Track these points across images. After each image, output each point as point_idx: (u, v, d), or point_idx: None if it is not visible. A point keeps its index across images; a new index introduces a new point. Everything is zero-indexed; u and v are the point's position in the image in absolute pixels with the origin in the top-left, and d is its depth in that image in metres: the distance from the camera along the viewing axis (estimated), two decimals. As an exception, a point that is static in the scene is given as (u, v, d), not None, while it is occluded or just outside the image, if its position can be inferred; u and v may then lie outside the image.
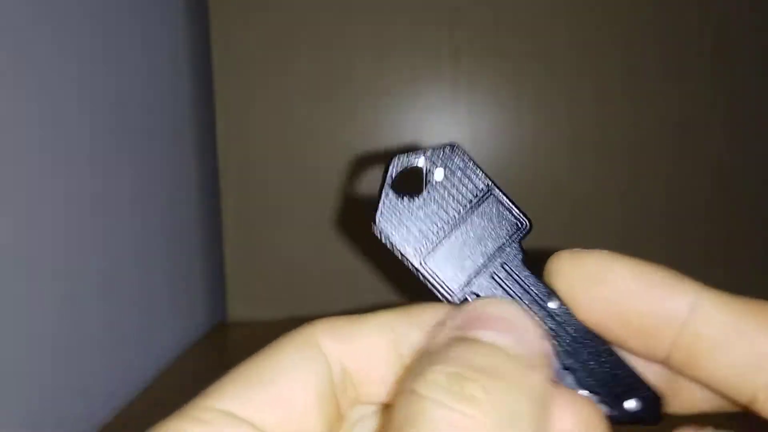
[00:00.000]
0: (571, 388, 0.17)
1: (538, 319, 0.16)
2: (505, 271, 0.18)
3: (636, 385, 0.17)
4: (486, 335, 0.14)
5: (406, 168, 0.17)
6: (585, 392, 0.17)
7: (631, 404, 0.17)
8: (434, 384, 0.13)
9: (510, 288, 0.17)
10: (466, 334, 0.14)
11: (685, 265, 0.67)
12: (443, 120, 0.71)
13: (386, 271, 0.73)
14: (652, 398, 0.17)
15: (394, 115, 0.71)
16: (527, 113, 0.71)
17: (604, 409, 0.17)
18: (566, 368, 0.17)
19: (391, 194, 0.18)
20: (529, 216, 0.18)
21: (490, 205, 0.18)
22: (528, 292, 0.17)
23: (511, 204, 0.18)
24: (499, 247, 0.18)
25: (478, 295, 0.17)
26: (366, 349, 0.16)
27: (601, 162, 0.71)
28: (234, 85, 0.71)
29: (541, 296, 0.17)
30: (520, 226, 0.18)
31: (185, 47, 0.69)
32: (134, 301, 0.56)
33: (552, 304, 0.17)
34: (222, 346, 0.66)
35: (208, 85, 0.75)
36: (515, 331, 0.15)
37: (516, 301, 0.17)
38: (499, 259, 0.18)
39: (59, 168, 0.45)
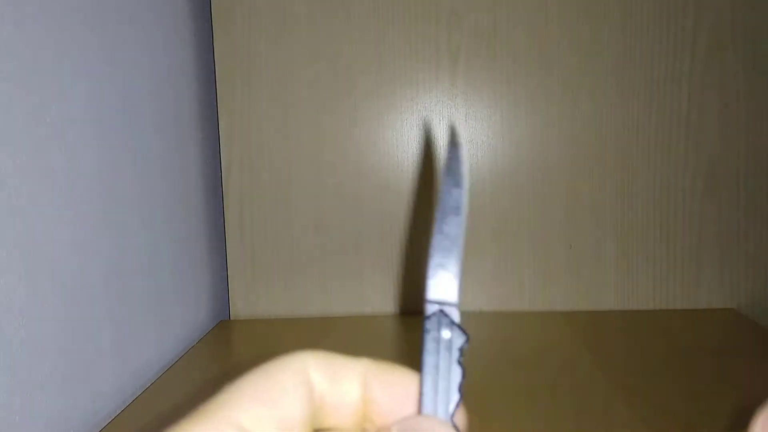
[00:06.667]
0: None
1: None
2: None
3: None
4: None
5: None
6: None
7: None
8: None
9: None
10: None
11: (678, 264, 0.68)
12: (441, 122, 0.72)
13: (386, 271, 0.74)
14: None
15: (393, 115, 0.72)
16: (524, 115, 0.72)
17: None
18: None
19: None
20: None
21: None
22: None
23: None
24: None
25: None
26: (343, 390, 0.20)
27: (597, 163, 0.72)
28: (237, 89, 0.72)
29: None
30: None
31: (189, 52, 0.71)
32: (141, 299, 0.58)
33: None
34: (226, 343, 0.68)
35: (212, 89, 0.76)
36: None
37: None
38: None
39: (67, 168, 0.46)
